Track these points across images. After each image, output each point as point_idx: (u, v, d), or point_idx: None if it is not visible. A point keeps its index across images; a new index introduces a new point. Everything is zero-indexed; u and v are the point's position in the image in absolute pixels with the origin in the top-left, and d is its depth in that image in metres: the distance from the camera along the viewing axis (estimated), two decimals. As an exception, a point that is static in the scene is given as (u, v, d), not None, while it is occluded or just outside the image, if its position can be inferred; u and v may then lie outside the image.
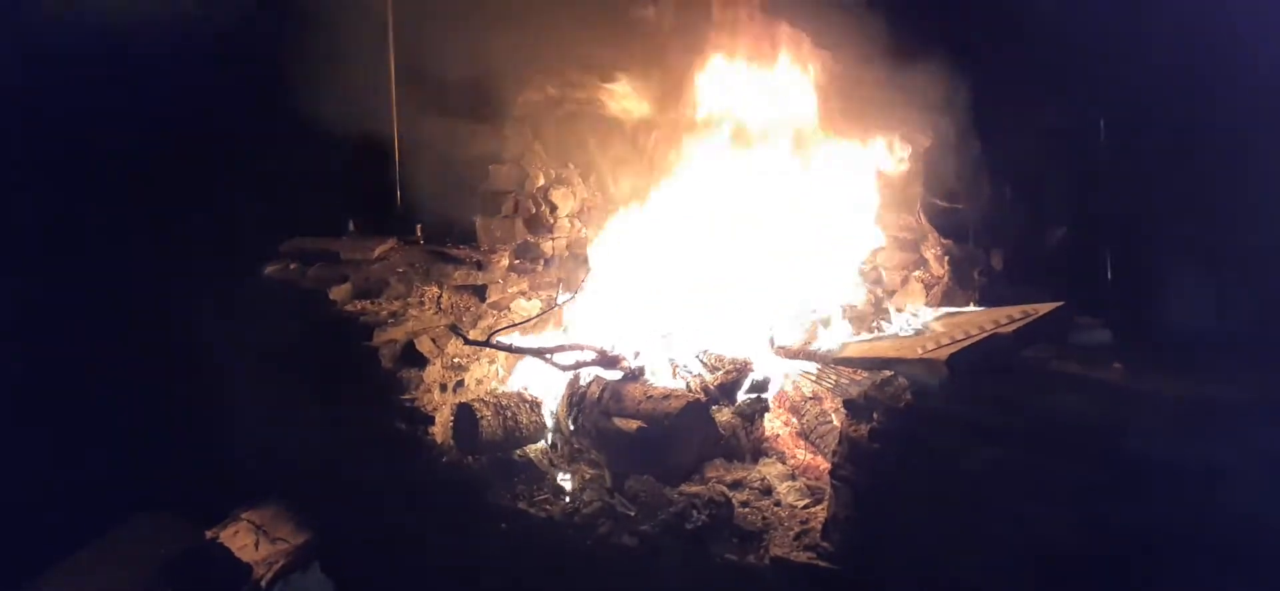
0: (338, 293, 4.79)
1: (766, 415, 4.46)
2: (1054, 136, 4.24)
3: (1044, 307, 3.80)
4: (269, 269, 5.04)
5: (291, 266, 5.07)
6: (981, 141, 4.32)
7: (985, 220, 4.56)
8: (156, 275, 5.54)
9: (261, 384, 4.82)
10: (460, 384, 4.74)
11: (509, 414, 4.47)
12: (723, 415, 4.35)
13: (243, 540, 4.54)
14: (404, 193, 5.64)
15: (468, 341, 4.67)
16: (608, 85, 5.55)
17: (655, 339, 4.69)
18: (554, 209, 5.61)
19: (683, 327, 4.73)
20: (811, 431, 4.37)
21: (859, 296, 4.75)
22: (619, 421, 4.19)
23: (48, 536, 4.62)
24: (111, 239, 5.86)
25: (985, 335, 3.62)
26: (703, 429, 4.23)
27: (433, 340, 4.71)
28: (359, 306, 4.77)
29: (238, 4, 5.55)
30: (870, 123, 4.98)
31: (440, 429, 4.57)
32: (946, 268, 4.80)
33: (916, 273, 4.96)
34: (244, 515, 4.65)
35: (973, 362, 3.49)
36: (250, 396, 4.84)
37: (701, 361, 4.55)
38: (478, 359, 4.82)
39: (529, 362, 4.74)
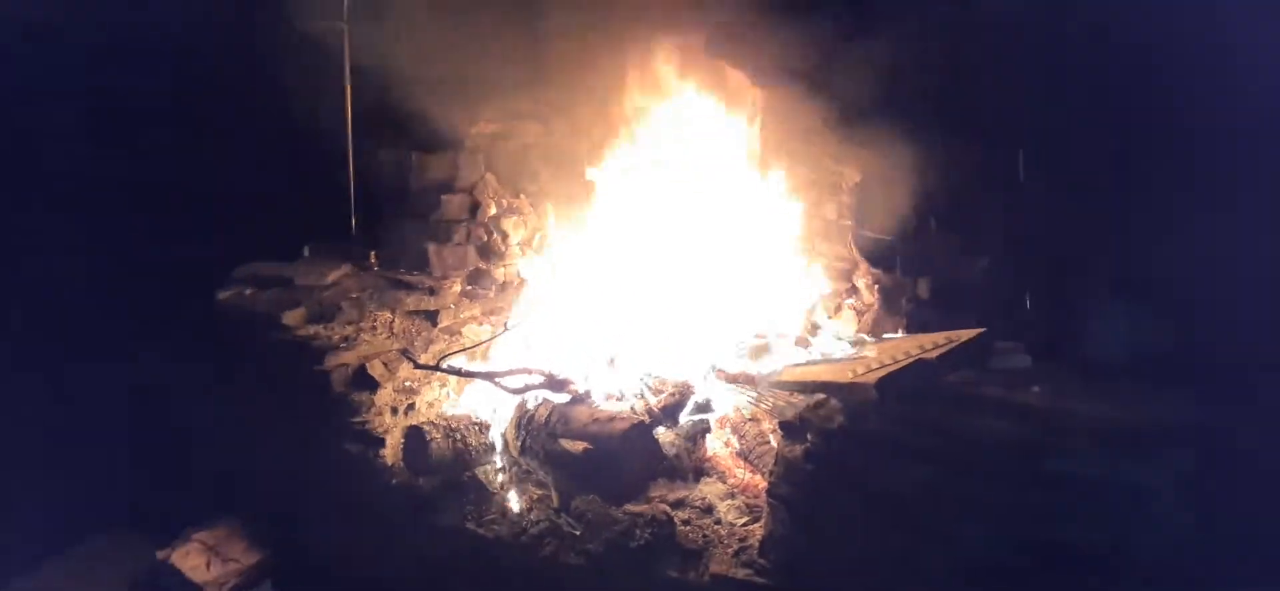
0: (291, 317, 4.69)
1: (708, 436, 4.41)
2: (978, 171, 4.23)
3: (967, 333, 3.81)
4: (223, 294, 4.92)
5: (246, 292, 4.96)
6: (909, 175, 4.28)
7: (912, 251, 4.53)
8: (113, 294, 5.42)
9: (218, 405, 4.69)
10: (411, 407, 4.65)
11: (458, 436, 4.40)
12: (666, 436, 4.31)
13: (194, 561, 4.41)
14: (359, 219, 5.52)
15: (418, 365, 4.59)
16: (548, 124, 5.54)
17: (602, 363, 4.64)
18: (505, 237, 5.55)
19: (628, 352, 4.68)
20: (750, 452, 4.33)
21: (795, 323, 4.74)
22: (566, 443, 4.13)
23: (5, 554, 4.47)
24: (70, 254, 5.68)
25: (912, 360, 3.63)
26: (647, 450, 4.18)
27: (384, 364, 4.62)
28: (312, 331, 4.67)
29: (196, 30, 5.40)
30: (805, 157, 4.99)
31: (391, 451, 4.48)
32: (877, 295, 4.79)
33: (849, 301, 4.96)
34: (196, 535, 4.52)
35: (900, 386, 3.49)
36: (206, 417, 4.71)
37: (646, 385, 4.50)
38: (428, 382, 4.74)
39: (479, 386, 4.66)
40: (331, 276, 5.10)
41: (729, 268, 4.95)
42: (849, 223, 4.90)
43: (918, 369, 3.58)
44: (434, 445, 4.31)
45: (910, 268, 4.55)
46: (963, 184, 4.27)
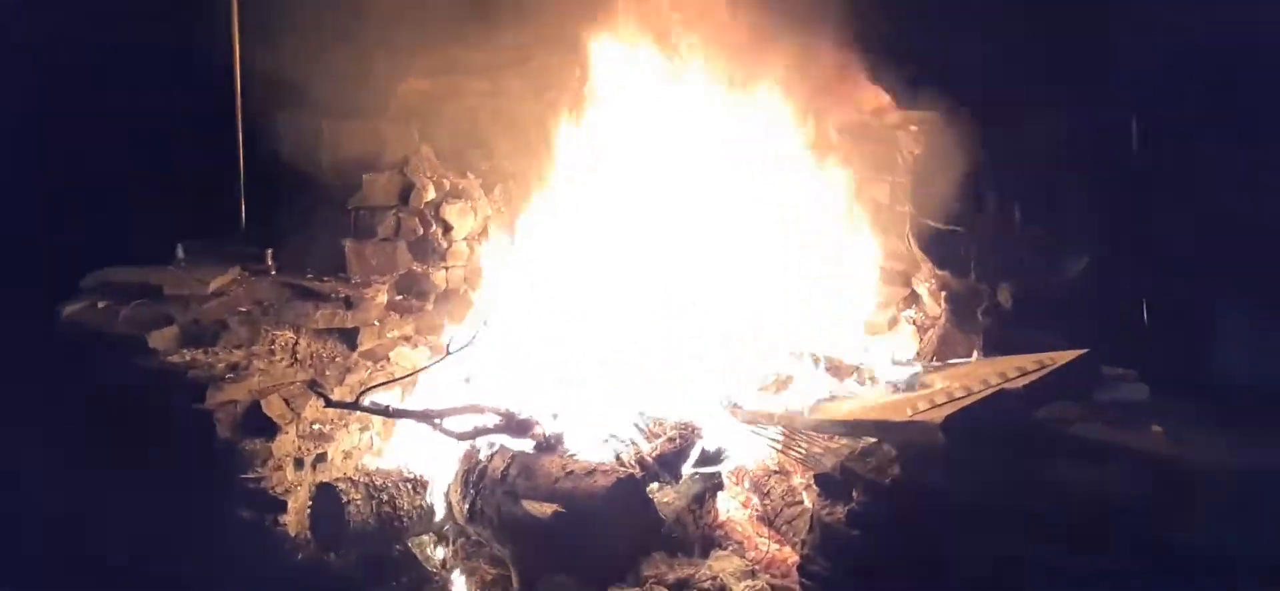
0: (159, 339, 4.70)
1: (720, 494, 4.41)
2: (1076, 140, 4.25)
3: (1063, 356, 3.82)
4: (69, 309, 4.90)
5: (99, 305, 4.95)
6: (986, 147, 4.30)
7: (991, 246, 4.58)
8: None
9: (57, 455, 4.60)
10: (322, 458, 4.65)
11: (385, 497, 4.41)
12: (664, 496, 4.29)
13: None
14: (251, 207, 5.52)
15: (331, 403, 4.59)
16: (499, 81, 5.58)
17: (577, 397, 4.65)
18: (448, 229, 5.56)
19: (613, 382, 4.70)
20: (776, 515, 4.35)
21: (835, 342, 4.73)
22: (530, 505, 4.13)
23: None
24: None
25: (990, 391, 3.64)
26: (638, 513, 4.17)
27: (285, 401, 4.62)
28: (188, 356, 4.69)
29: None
30: (848, 120, 5.05)
31: (294, 517, 4.48)
32: (944, 306, 4.81)
33: (907, 312, 4.99)
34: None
35: (975, 426, 3.50)
36: (41, 472, 4.63)
37: (636, 426, 4.51)
38: (345, 425, 4.76)
39: (413, 429, 4.66)
40: (214, 284, 5.08)
41: (745, 270, 4.96)
42: (906, 209, 4.92)
43: (999, 403, 3.58)
44: (352, 509, 4.31)
45: (988, 269, 4.57)
46: (1056, 158, 4.30)
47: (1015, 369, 3.79)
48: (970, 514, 3.36)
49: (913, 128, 4.99)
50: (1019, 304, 4.50)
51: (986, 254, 4.58)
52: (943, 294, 4.83)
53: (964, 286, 4.70)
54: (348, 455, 4.76)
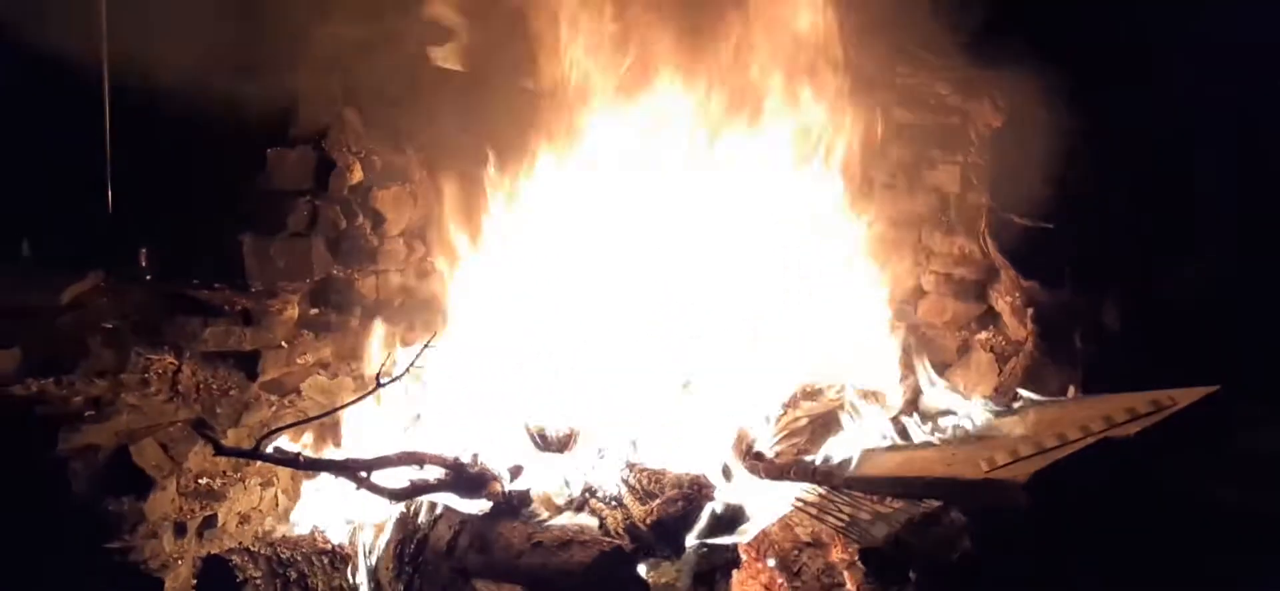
0: None
1: (734, 573, 4.32)
2: (1208, 111, 4.26)
3: (1190, 394, 3.81)
4: None
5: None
6: (1086, 117, 4.31)
7: (1095, 249, 4.60)
8: None
9: None
10: (210, 522, 4.67)
11: (293, 574, 4.38)
12: (662, 575, 4.28)
13: None
14: (120, 192, 5.48)
15: (224, 450, 4.54)
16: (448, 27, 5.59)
17: (547, 442, 4.65)
18: (380, 221, 5.61)
19: (595, 423, 4.69)
20: (809, 600, 4.30)
21: (885, 375, 4.76)
22: (485, 586, 4.15)
23: None
24: None
25: (1092, 439, 3.64)
26: None
27: (163, 447, 4.63)
28: (35, 388, 4.67)
29: None
30: (899, 79, 5.10)
31: (175, 598, 4.45)
32: (1031, 328, 4.85)
33: (981, 334, 5.05)
34: None
35: (1072, 486, 3.50)
36: None
37: (625, 482, 4.49)
38: (242, 480, 4.78)
39: (332, 485, 4.64)
40: (71, 292, 5.08)
41: (768, 279, 4.98)
42: (981, 200, 5.00)
43: (1103, 454, 3.57)
44: (251, 588, 4.26)
45: (1090, 279, 4.61)
46: (1181, 136, 4.33)
47: (1125, 411, 3.79)
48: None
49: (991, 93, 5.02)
50: (1130, 325, 4.53)
51: (1089, 259, 4.61)
52: (1029, 311, 4.87)
53: (1057, 301, 4.76)
54: (245, 519, 4.79)
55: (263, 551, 4.38)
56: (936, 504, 3.71)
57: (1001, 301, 5.00)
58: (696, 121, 5.21)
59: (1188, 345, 4.22)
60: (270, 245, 5.38)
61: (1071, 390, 4.45)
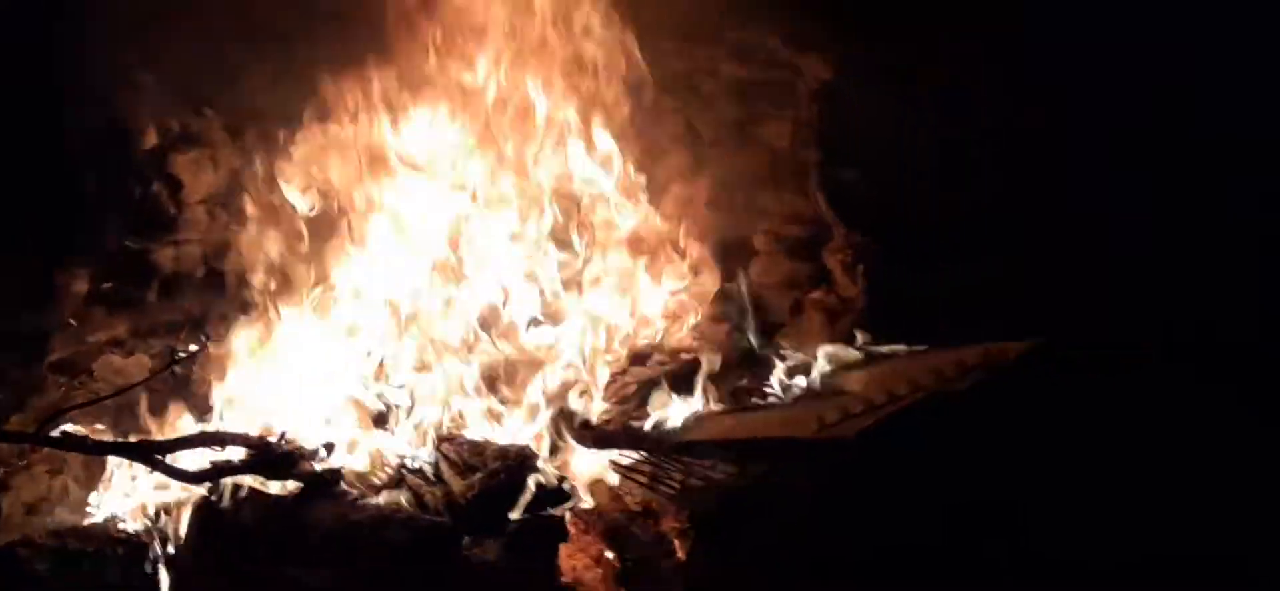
0: None
1: (562, 547, 4.23)
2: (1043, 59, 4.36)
3: (1018, 347, 3.99)
4: None
5: None
6: (923, 70, 4.36)
7: (927, 205, 4.70)
8: None
9: None
10: None
11: (86, 566, 4.22)
12: (485, 552, 4.18)
13: None
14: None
15: (7, 436, 4.52)
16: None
17: (359, 417, 4.61)
18: (178, 188, 5.40)
19: (409, 394, 4.68)
20: (640, 572, 4.15)
21: (715, 336, 4.76)
22: (296, 572, 4.05)
23: None
24: None
25: (923, 394, 3.77)
26: (447, 578, 4.09)
27: None
28: None
29: None
30: (729, 33, 5.11)
31: (-49, 598, 4.26)
32: (860, 284, 4.91)
33: (814, 293, 5.06)
34: None
35: (904, 440, 3.59)
36: None
37: (444, 454, 4.43)
38: (28, 467, 4.67)
39: (126, 469, 4.54)
40: None
41: (590, 234, 4.99)
42: (812, 155, 5.01)
43: (935, 407, 3.69)
44: (38, 583, 4.11)
45: (923, 235, 4.66)
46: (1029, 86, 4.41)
47: (955, 365, 3.92)
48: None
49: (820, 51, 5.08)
50: (965, 283, 4.60)
51: (922, 215, 4.69)
52: (860, 268, 4.92)
53: (887, 256, 4.82)
54: (32, 509, 4.65)
55: (50, 543, 4.25)
56: (768, 465, 3.73)
57: (833, 259, 5.05)
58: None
59: (1015, 296, 4.35)
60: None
61: (902, 345, 4.50)
